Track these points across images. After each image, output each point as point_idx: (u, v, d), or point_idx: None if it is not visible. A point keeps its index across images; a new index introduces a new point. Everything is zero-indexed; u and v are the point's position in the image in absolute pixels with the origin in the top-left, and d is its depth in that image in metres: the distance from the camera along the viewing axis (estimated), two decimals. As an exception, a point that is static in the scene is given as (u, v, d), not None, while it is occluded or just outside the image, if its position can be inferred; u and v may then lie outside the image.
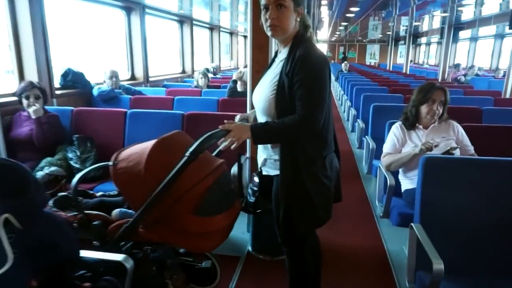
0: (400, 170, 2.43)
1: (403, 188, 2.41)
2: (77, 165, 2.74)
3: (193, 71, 7.18)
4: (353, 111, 5.35)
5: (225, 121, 1.55)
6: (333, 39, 24.09)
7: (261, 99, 1.62)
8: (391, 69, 15.15)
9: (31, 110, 2.84)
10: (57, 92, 3.64)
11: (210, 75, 7.15)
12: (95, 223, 1.66)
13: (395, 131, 2.46)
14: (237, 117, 1.85)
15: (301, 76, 1.46)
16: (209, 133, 1.41)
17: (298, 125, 1.47)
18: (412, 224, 1.70)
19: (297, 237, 1.69)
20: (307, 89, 1.46)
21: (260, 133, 1.49)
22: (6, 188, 1.22)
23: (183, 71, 7.22)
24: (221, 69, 9.49)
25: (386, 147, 2.47)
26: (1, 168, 1.22)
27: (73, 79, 3.88)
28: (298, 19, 1.57)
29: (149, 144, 1.55)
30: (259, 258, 2.52)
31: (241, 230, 2.81)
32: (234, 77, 3.94)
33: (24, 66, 3.32)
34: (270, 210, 2.30)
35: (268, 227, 2.39)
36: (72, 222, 1.75)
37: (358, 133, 4.40)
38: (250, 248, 2.61)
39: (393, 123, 2.60)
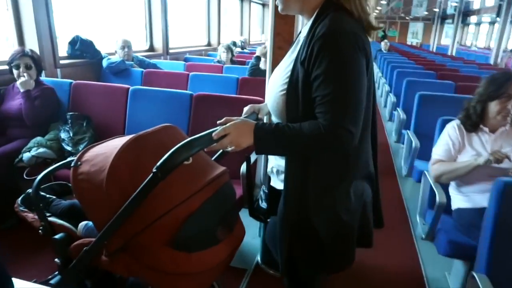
0: (453, 182, 1.92)
1: (454, 205, 1.91)
2: (69, 148, 2.41)
3: (219, 44, 6.70)
4: (392, 98, 4.71)
5: (225, 118, 1.09)
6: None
7: (270, 96, 1.15)
8: (435, 50, 14.00)
9: (19, 81, 2.51)
10: (62, 61, 3.30)
11: (238, 49, 6.66)
12: (56, 237, 1.31)
13: (451, 133, 1.93)
14: (246, 109, 1.37)
15: (323, 67, 0.96)
16: (189, 140, 0.97)
17: (320, 140, 0.98)
18: (474, 273, 1.22)
19: (302, 281, 1.26)
20: (333, 88, 0.96)
21: (266, 141, 1.02)
22: None
23: (209, 44, 6.76)
24: (251, 43, 8.93)
25: (438, 152, 1.95)
26: None
27: (81, 48, 3.52)
28: None
29: (120, 143, 1.14)
30: (269, 273, 2.11)
31: (252, 235, 2.41)
32: (257, 53, 3.46)
33: (24, 32, 2.99)
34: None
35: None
36: (38, 228, 1.41)
37: (397, 125, 3.82)
38: (259, 260, 2.21)
39: (447, 120, 2.07)
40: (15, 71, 2.52)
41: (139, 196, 0.98)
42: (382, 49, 9.82)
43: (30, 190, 1.53)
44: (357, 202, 1.14)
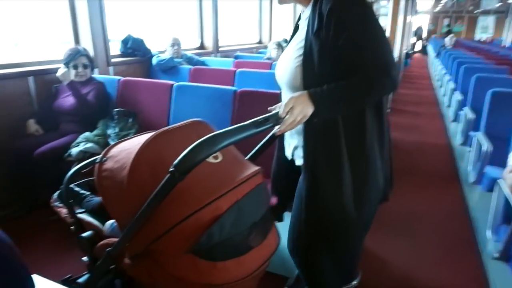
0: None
1: (535, 220, 1.60)
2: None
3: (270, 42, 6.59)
4: (458, 96, 4.29)
5: (269, 108, 1.22)
6: (436, 10, 21.19)
7: (285, 72, 1.23)
8: (508, 45, 12.72)
9: (78, 79, 2.62)
10: (114, 60, 3.38)
11: (284, 45, 6.50)
12: (82, 235, 1.26)
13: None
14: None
15: (348, 27, 1.05)
16: (212, 135, 0.84)
17: (373, 84, 1.08)
18: None
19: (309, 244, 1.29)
20: (365, 40, 1.07)
21: (323, 100, 1.06)
22: None
23: (260, 42, 6.67)
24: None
25: (515, 159, 1.66)
26: None
27: (132, 46, 3.59)
28: None
29: (144, 139, 1.05)
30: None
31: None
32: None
33: (79, 33, 3.09)
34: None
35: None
36: (70, 223, 1.38)
37: (464, 125, 3.44)
38: (302, 268, 2.03)
39: (498, 91, 1.80)
40: (72, 71, 2.60)
41: (156, 198, 0.88)
42: (446, 45, 9.09)
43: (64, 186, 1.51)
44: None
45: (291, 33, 1.31)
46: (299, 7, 1.27)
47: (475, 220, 2.57)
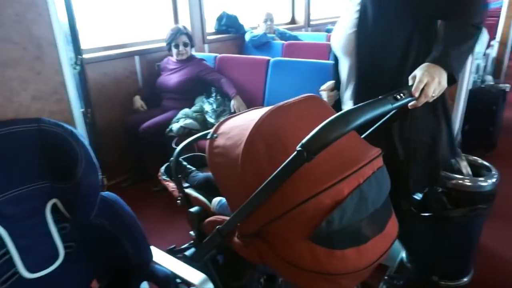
0: None
1: None
2: (212, 120, 2.48)
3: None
4: None
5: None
6: None
7: (341, 37, 1.31)
8: None
9: (179, 58, 2.72)
10: (209, 37, 3.44)
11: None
12: (191, 210, 1.27)
13: None
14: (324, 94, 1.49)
15: None
16: (345, 112, 0.73)
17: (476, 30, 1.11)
18: None
19: None
20: None
21: (452, 60, 1.05)
22: (55, 165, 0.91)
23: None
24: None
25: None
26: (51, 136, 0.89)
27: (226, 23, 3.61)
28: None
29: (258, 115, 1.00)
30: (430, 280, 1.75)
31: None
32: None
33: (178, 11, 3.20)
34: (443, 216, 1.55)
35: (442, 237, 1.63)
36: (177, 197, 1.43)
37: None
38: (404, 256, 1.88)
39: None
40: (174, 50, 2.71)
41: (277, 178, 0.81)
42: None
43: (172, 160, 1.57)
44: None
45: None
46: None
47: None
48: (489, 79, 3.19)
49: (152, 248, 1.04)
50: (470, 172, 1.56)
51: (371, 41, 1.22)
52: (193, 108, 2.59)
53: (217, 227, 1.06)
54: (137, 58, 2.85)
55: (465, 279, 1.71)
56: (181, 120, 2.48)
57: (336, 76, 1.49)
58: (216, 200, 1.24)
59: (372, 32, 1.21)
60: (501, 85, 2.87)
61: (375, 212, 0.95)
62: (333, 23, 5.41)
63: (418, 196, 1.66)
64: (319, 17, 5.31)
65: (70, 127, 0.91)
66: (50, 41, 1.01)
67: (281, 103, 1.02)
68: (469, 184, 1.53)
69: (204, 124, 2.50)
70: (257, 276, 1.32)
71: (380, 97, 0.79)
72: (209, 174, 1.51)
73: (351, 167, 0.91)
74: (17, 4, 0.94)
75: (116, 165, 2.70)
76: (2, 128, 0.85)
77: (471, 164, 1.62)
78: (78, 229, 0.93)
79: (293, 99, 1.05)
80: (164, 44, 3.00)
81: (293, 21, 4.80)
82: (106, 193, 0.95)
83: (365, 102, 0.76)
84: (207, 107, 2.55)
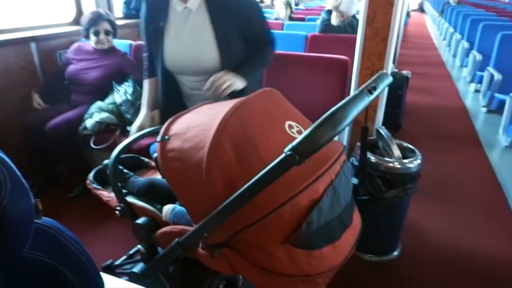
0: None
1: None
2: (128, 115, 2.23)
3: (272, 1, 6.25)
4: (464, 44, 4.88)
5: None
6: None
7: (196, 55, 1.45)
8: (507, 0, 12.48)
9: (99, 47, 2.38)
10: (118, 22, 3.11)
11: (292, 5, 6.18)
12: (139, 222, 1.12)
13: None
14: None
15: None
16: (335, 110, 0.68)
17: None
18: None
19: None
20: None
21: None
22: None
23: (261, 1, 6.33)
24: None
25: None
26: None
27: (136, 7, 3.30)
28: None
29: (219, 112, 0.89)
30: (363, 258, 1.86)
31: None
32: (328, 6, 3.05)
33: (80, -10, 2.81)
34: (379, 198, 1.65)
35: (376, 217, 1.73)
36: (115, 208, 1.24)
37: (472, 67, 4.03)
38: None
39: None
40: (93, 37, 2.36)
41: (260, 183, 0.72)
42: (451, 2, 8.82)
43: (106, 163, 1.36)
44: None
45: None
46: None
47: (511, 184, 2.51)
48: (392, 67, 3.50)
49: (103, 275, 0.88)
50: (400, 155, 1.68)
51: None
52: (107, 100, 2.29)
53: (177, 239, 0.95)
54: (33, 45, 2.43)
55: (395, 253, 1.86)
56: (95, 114, 2.19)
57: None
58: (169, 208, 1.11)
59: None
60: (404, 71, 3.17)
61: (346, 206, 0.94)
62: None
63: (355, 181, 1.74)
64: None
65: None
66: None
67: (241, 99, 0.94)
68: (399, 166, 1.65)
69: (121, 118, 2.26)
70: (216, 283, 1.23)
71: (356, 92, 0.76)
72: (151, 178, 1.36)
73: (323, 164, 0.87)
74: None
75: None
76: None
77: (398, 148, 1.74)
78: (5, 269, 0.73)
79: (251, 95, 0.98)
80: (67, 28, 2.64)
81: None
82: (41, 220, 0.76)
83: (345, 100, 0.72)
84: (118, 98, 2.26)
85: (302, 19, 4.49)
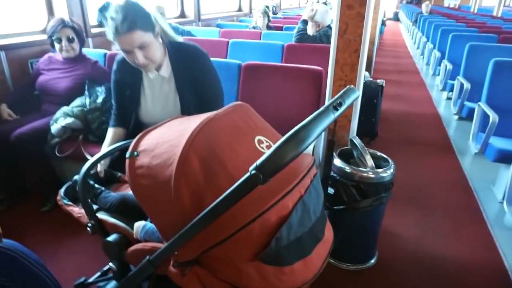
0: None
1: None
2: (94, 125, 2.17)
3: (250, 9, 6.30)
4: (436, 54, 5.06)
5: None
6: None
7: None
8: (475, 11, 12.97)
9: (64, 55, 2.32)
10: (93, 30, 3.06)
11: (270, 14, 6.25)
12: (109, 239, 1.10)
13: None
14: None
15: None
16: (299, 128, 0.68)
17: None
18: None
19: None
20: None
21: None
22: None
23: (239, 9, 6.36)
24: (281, 8, 8.43)
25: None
26: None
27: (111, 15, 3.26)
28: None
29: (187, 128, 0.89)
30: (340, 267, 1.87)
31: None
32: (304, 16, 3.10)
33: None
34: (354, 207, 1.67)
35: (352, 226, 1.75)
36: (85, 224, 1.21)
37: (444, 76, 4.23)
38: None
39: (500, 61, 2.46)
40: (57, 45, 2.30)
41: (225, 202, 0.72)
42: (423, 12, 9.11)
43: (75, 178, 1.33)
44: None
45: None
46: None
47: (482, 190, 2.59)
48: (367, 75, 3.57)
49: None
50: (374, 165, 1.70)
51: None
52: (74, 103, 2.22)
53: (148, 257, 0.93)
54: (2, 53, 2.36)
55: (372, 261, 1.89)
56: (60, 119, 2.12)
57: None
58: (140, 225, 1.09)
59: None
60: (378, 80, 3.24)
61: (316, 221, 0.94)
62: (223, 18, 5.44)
63: (330, 191, 1.76)
64: (208, 12, 5.23)
65: None
66: None
67: (211, 114, 0.94)
68: (373, 176, 1.67)
69: (87, 123, 2.20)
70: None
71: (321, 109, 0.77)
72: (124, 193, 1.33)
73: (292, 179, 0.88)
74: None
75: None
76: None
77: (372, 157, 1.77)
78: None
79: (222, 109, 0.98)
80: (37, 37, 2.58)
81: (182, 15, 4.62)
82: (2, 243, 0.73)
83: (310, 117, 0.73)
84: (87, 103, 2.19)
85: (280, 28, 4.54)
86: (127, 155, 0.95)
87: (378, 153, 1.83)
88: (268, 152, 0.65)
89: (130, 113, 1.65)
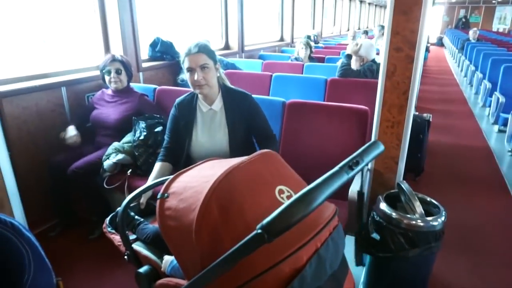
0: None
1: None
2: (140, 161, 2.26)
3: (292, 39, 6.40)
4: (486, 84, 4.77)
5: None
6: (452, 0, 20.69)
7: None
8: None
9: (112, 86, 2.48)
10: (144, 65, 3.24)
11: (312, 44, 6.32)
12: (141, 270, 1.17)
13: None
14: None
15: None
16: (308, 190, 0.70)
17: None
18: None
19: None
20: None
21: None
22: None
23: (281, 39, 6.48)
24: (322, 36, 8.49)
25: None
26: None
27: (161, 50, 3.45)
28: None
29: (214, 174, 0.94)
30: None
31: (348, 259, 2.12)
32: (348, 51, 3.10)
33: (109, 34, 2.96)
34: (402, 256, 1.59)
35: (400, 275, 1.67)
36: (124, 253, 1.27)
37: (496, 108, 3.93)
38: (363, 294, 1.90)
39: None
40: (106, 77, 2.48)
41: (234, 256, 0.75)
42: (471, 39, 8.80)
43: (118, 209, 1.40)
44: None
45: None
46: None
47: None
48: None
49: None
50: (423, 211, 1.63)
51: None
52: (124, 139, 2.35)
53: None
54: (63, 89, 2.55)
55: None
56: (112, 155, 2.24)
57: None
58: (167, 260, 1.15)
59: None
60: (425, 115, 3.14)
61: (334, 273, 0.95)
62: (265, 48, 5.56)
63: (376, 237, 1.69)
64: (251, 42, 5.38)
65: (9, 219, 0.72)
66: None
67: (235, 163, 0.99)
68: (423, 224, 1.60)
69: (135, 157, 2.29)
70: None
71: (335, 168, 0.79)
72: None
73: (309, 232, 0.90)
74: None
75: (41, 210, 2.36)
76: None
77: (421, 202, 1.69)
78: None
79: (248, 157, 1.03)
80: (95, 73, 2.76)
81: (227, 47, 4.78)
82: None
83: (322, 178, 0.75)
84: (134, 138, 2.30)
85: (322, 59, 4.56)
86: (158, 196, 1.01)
87: (428, 199, 1.75)
88: (275, 212, 0.67)
89: (181, 147, 1.84)
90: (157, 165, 1.83)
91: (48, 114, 2.45)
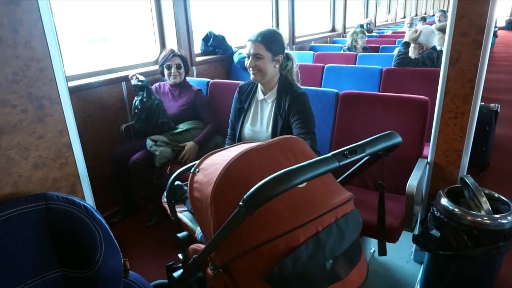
0: None
1: None
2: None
3: (344, 29, 6.21)
4: None
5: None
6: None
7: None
8: None
9: (171, 80, 2.58)
10: (197, 59, 3.33)
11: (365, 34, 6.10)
12: (178, 235, 1.30)
13: None
14: None
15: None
16: (289, 170, 0.75)
17: None
18: None
19: None
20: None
21: None
22: (68, 250, 0.77)
23: (333, 29, 6.32)
24: (376, 25, 8.15)
25: None
26: (61, 216, 0.76)
27: (213, 44, 3.51)
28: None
29: (233, 155, 1.02)
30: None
31: (404, 258, 2.03)
32: (406, 38, 2.94)
33: (164, 31, 3.08)
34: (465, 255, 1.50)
35: (462, 276, 1.57)
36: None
37: None
38: (420, 293, 1.82)
39: None
40: (166, 71, 2.58)
41: (225, 228, 0.86)
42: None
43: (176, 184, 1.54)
44: None
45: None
46: None
47: None
48: (478, 98, 3.23)
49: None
50: (490, 208, 1.51)
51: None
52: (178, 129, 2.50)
53: (194, 256, 1.09)
54: (123, 84, 2.70)
55: None
56: (159, 150, 2.36)
57: None
58: (199, 229, 1.23)
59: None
60: (491, 105, 2.91)
61: (335, 259, 0.97)
62: (316, 39, 5.46)
63: (436, 233, 1.61)
64: (302, 34, 5.30)
65: (83, 202, 0.78)
66: (54, 99, 0.88)
67: (254, 145, 1.06)
68: (489, 222, 1.48)
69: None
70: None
71: (329, 154, 0.81)
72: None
73: (310, 214, 0.94)
74: (15, 61, 0.81)
75: (104, 198, 2.53)
76: (3, 212, 0.71)
77: (488, 198, 1.57)
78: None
79: (268, 141, 1.09)
80: (151, 68, 2.89)
81: (277, 39, 4.75)
82: (128, 278, 0.82)
83: (310, 161, 0.78)
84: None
85: (376, 49, 4.39)
86: (191, 170, 1.11)
87: (496, 195, 1.62)
88: (254, 187, 0.72)
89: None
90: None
91: (110, 108, 2.61)
